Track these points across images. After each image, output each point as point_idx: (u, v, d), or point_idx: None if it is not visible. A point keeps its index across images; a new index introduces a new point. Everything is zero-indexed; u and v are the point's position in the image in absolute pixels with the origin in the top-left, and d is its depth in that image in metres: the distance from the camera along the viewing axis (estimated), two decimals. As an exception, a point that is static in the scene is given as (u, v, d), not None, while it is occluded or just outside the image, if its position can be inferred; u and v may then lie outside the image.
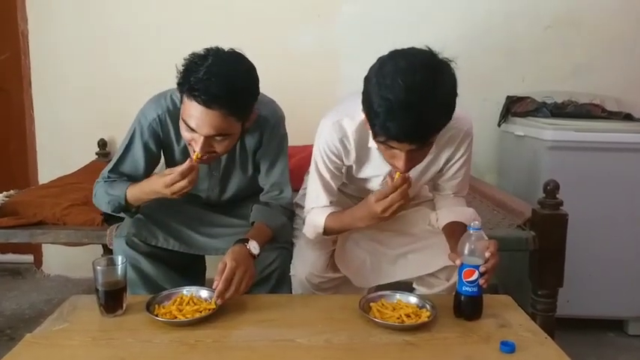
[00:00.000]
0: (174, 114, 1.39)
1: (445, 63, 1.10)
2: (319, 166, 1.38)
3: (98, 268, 1.18)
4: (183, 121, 1.27)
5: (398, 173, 1.18)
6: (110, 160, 2.43)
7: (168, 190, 1.27)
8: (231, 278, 1.21)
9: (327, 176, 1.39)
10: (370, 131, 1.19)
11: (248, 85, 1.27)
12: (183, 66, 1.23)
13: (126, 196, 1.39)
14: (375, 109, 1.08)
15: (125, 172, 1.45)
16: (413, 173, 1.39)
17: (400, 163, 1.15)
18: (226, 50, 1.27)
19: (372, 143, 1.31)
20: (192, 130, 1.25)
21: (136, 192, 1.37)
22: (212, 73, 1.19)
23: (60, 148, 2.55)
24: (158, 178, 1.30)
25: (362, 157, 1.36)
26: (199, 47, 1.27)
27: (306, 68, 2.44)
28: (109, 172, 1.45)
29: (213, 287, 1.20)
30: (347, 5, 2.43)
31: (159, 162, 1.52)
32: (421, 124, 1.07)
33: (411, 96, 1.04)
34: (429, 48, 1.11)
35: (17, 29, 2.48)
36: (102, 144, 2.48)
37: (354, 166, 1.39)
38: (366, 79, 1.13)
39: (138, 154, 1.44)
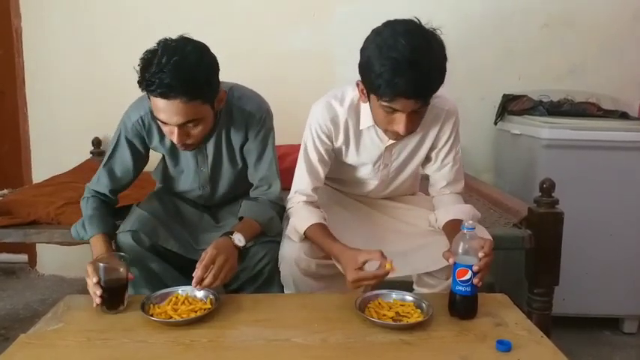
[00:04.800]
0: None
1: (432, 30, 1.20)
2: (308, 147, 1.41)
3: (100, 265, 1.18)
4: (155, 117, 1.32)
5: (388, 265, 1.18)
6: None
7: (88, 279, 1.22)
8: (209, 265, 1.23)
9: (315, 159, 1.41)
10: (361, 114, 1.28)
11: (200, 66, 1.27)
12: (139, 65, 1.27)
13: (90, 237, 1.41)
14: (377, 71, 1.14)
15: (116, 172, 1.50)
16: (401, 157, 1.44)
17: (400, 126, 1.21)
18: (174, 38, 1.29)
19: (364, 125, 1.36)
20: (166, 123, 1.29)
21: (94, 248, 1.38)
22: (162, 65, 1.22)
23: (54, 147, 2.53)
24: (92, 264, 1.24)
25: (351, 140, 1.39)
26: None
27: (301, 68, 2.43)
28: (103, 167, 1.50)
29: (193, 274, 1.22)
30: (341, 6, 2.43)
31: (146, 162, 1.56)
32: (426, 80, 1.15)
33: (415, 54, 1.12)
34: (417, 18, 1.21)
35: (11, 26, 2.46)
36: (96, 143, 2.47)
37: (342, 149, 1.41)
38: (363, 50, 1.20)
39: (125, 154, 1.48)
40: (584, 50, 2.41)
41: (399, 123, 1.21)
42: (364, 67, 1.19)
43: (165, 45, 1.26)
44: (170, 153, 1.52)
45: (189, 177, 1.56)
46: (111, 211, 1.51)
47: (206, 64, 1.29)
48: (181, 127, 1.29)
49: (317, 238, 1.34)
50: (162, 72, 1.21)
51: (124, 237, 1.40)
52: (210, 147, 1.50)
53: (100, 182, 1.50)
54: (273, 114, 1.53)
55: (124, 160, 1.49)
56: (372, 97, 1.23)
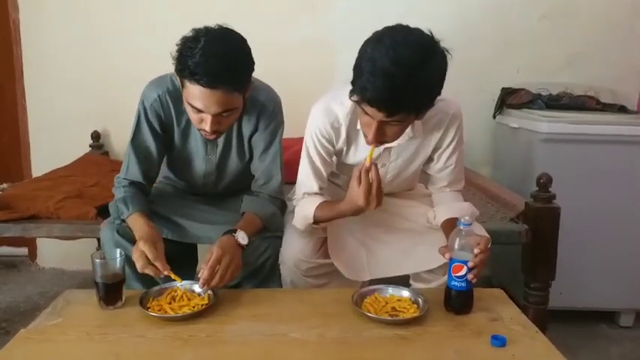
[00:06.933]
0: (175, 94, 1.42)
1: (439, 49, 1.13)
2: (310, 151, 1.40)
3: (97, 261, 1.18)
4: (189, 104, 1.29)
5: (368, 159, 1.21)
6: (104, 152, 2.47)
7: (135, 254, 1.26)
8: (215, 266, 1.23)
9: (318, 162, 1.40)
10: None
11: (244, 58, 1.28)
12: (177, 52, 1.25)
13: (131, 214, 1.38)
14: (361, 68, 1.12)
15: (142, 156, 1.47)
16: (400, 159, 1.42)
17: (369, 132, 1.19)
18: (215, 28, 1.28)
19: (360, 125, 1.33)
20: (199, 110, 1.27)
21: (134, 225, 1.36)
22: (208, 54, 1.19)
23: (53, 141, 2.53)
24: (144, 241, 1.27)
25: (351, 140, 1.38)
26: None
27: (301, 59, 2.42)
28: (129, 154, 1.46)
29: (199, 275, 1.22)
30: (341, -4, 2.42)
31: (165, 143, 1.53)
32: (395, 95, 1.10)
33: (394, 67, 1.07)
34: (431, 32, 1.14)
35: (8, 19, 2.45)
36: (95, 136, 2.46)
37: (343, 150, 1.41)
38: (362, 48, 1.16)
39: (147, 136, 1.45)
40: (582, 42, 2.40)
41: (370, 128, 1.18)
42: (356, 66, 1.17)
43: (208, 33, 1.24)
44: (181, 136, 1.49)
45: (195, 164, 1.54)
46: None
47: (249, 56, 1.30)
48: (216, 116, 1.28)
49: (325, 212, 1.35)
50: (209, 61, 1.19)
51: (108, 231, 1.40)
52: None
53: (130, 170, 1.46)
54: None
55: (146, 145, 1.46)
56: None
